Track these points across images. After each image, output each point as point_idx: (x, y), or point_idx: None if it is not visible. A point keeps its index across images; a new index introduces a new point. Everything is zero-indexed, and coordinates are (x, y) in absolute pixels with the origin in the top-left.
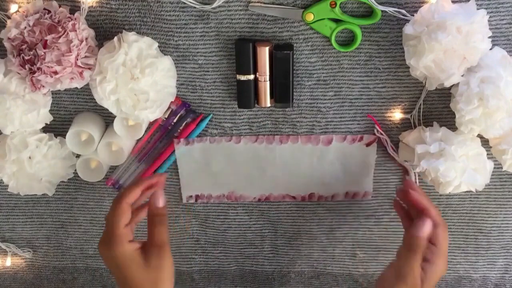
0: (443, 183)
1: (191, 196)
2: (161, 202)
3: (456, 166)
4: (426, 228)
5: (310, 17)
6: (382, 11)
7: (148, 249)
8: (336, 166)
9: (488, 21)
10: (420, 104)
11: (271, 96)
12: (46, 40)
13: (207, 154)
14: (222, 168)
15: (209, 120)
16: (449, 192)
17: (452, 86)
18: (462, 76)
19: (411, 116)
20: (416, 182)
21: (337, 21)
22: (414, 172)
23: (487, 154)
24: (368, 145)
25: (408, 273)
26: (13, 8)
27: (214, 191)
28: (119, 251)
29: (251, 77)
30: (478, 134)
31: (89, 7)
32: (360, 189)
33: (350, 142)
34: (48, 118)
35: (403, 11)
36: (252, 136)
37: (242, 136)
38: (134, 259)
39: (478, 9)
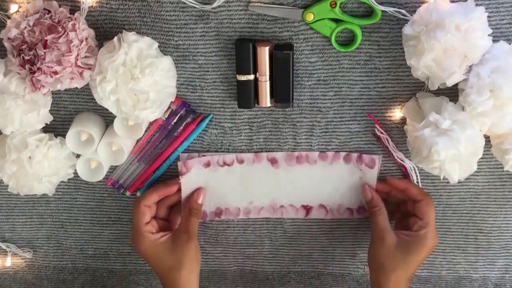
0: (427, 156)
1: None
2: (201, 199)
3: (452, 152)
4: (367, 193)
5: (310, 17)
6: (382, 11)
7: (178, 235)
8: (338, 185)
9: (488, 21)
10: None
11: (271, 96)
12: (46, 40)
13: (210, 180)
14: (219, 192)
15: (209, 120)
16: (421, 166)
17: (459, 83)
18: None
19: None
20: (417, 181)
21: (337, 21)
22: (415, 171)
23: (487, 153)
24: (369, 166)
25: (373, 230)
26: (13, 8)
27: (209, 209)
28: (144, 245)
29: (251, 77)
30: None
31: (89, 7)
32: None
33: (348, 162)
34: (48, 118)
35: (403, 11)
36: (253, 155)
37: (244, 154)
38: (159, 246)
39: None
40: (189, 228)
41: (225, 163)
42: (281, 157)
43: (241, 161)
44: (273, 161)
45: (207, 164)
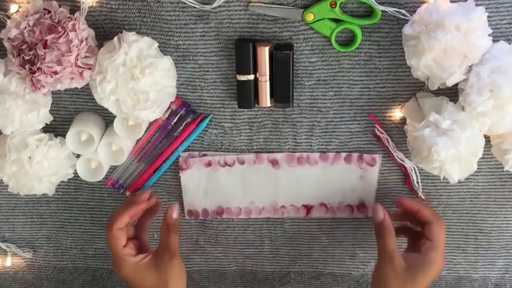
0: (427, 156)
1: (191, 212)
2: (175, 214)
3: (452, 152)
4: (379, 214)
5: (310, 17)
6: (382, 11)
7: (160, 253)
8: (338, 185)
9: (488, 21)
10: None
11: (271, 96)
12: (46, 40)
13: (211, 179)
14: (221, 191)
15: (209, 120)
16: (422, 167)
17: (459, 83)
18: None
19: None
20: (417, 181)
21: (337, 21)
22: (415, 171)
23: (487, 153)
24: (370, 164)
25: (381, 252)
26: (13, 8)
27: (211, 207)
28: (126, 269)
29: (251, 77)
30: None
31: (89, 7)
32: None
33: (349, 162)
34: (48, 118)
35: (403, 11)
36: (254, 155)
37: (245, 155)
38: (141, 268)
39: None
40: (170, 245)
41: (226, 164)
42: (282, 158)
43: (242, 162)
44: (274, 162)
45: (208, 164)
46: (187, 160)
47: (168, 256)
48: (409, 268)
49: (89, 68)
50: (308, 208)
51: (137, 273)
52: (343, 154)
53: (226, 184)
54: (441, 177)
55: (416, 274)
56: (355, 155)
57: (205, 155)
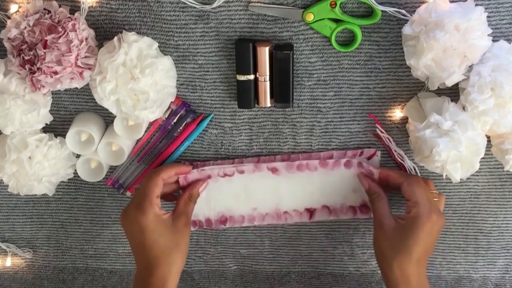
0: (429, 157)
1: (195, 222)
2: (202, 188)
3: (453, 153)
4: (363, 182)
5: (310, 17)
6: (382, 11)
7: (177, 216)
8: (339, 186)
9: (488, 21)
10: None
11: (271, 96)
12: (46, 40)
13: (212, 188)
14: (223, 200)
15: (209, 120)
16: (423, 166)
17: (459, 82)
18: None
19: None
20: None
21: (337, 21)
22: (414, 171)
23: (487, 153)
24: (369, 158)
25: (374, 218)
26: (13, 8)
27: (214, 217)
28: (151, 215)
29: (251, 77)
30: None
31: (89, 7)
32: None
33: (351, 157)
34: (48, 118)
35: (403, 11)
36: (253, 165)
37: (244, 165)
38: (162, 222)
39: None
40: (188, 212)
41: (225, 175)
42: (282, 166)
43: (241, 172)
44: (274, 170)
45: (208, 177)
46: (186, 178)
47: (184, 221)
48: (398, 229)
49: (89, 68)
50: (311, 211)
51: (157, 225)
52: (343, 161)
53: (228, 192)
54: (444, 176)
55: (406, 235)
56: (354, 162)
57: (203, 170)
